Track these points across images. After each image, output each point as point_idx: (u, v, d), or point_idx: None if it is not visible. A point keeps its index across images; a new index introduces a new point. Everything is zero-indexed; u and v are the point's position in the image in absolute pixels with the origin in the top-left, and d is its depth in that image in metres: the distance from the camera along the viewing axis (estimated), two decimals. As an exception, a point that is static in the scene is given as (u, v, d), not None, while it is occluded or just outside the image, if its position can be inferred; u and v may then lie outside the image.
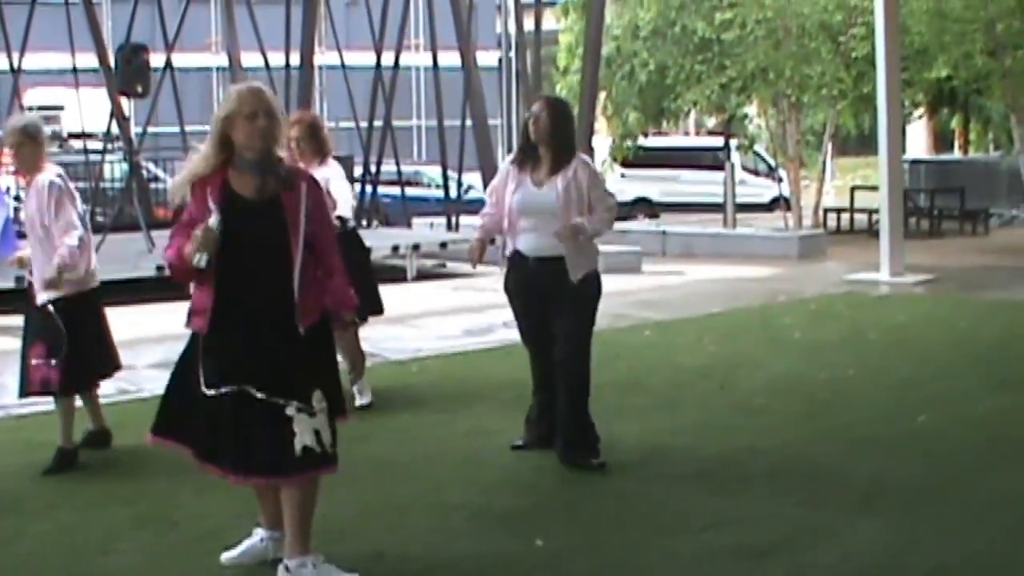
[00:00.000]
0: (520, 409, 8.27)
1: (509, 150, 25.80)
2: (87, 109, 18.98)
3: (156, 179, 21.20)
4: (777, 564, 5.33)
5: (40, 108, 31.43)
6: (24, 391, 6.98)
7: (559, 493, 6.40)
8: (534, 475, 6.71)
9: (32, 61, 20.16)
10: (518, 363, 10.09)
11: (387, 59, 20.57)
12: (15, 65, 18.57)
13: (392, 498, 6.34)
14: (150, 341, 10.62)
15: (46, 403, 7.31)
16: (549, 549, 5.54)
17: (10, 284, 13.58)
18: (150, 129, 18.87)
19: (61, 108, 25.72)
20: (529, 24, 21.74)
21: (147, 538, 5.76)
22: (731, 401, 8.41)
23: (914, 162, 27.14)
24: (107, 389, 7.80)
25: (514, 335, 11.51)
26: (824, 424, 7.78)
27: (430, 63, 20.89)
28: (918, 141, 36.57)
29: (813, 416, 7.99)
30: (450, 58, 19.58)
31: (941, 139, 37.21)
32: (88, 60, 19.28)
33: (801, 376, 9.30)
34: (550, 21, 26.96)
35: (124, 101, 18.20)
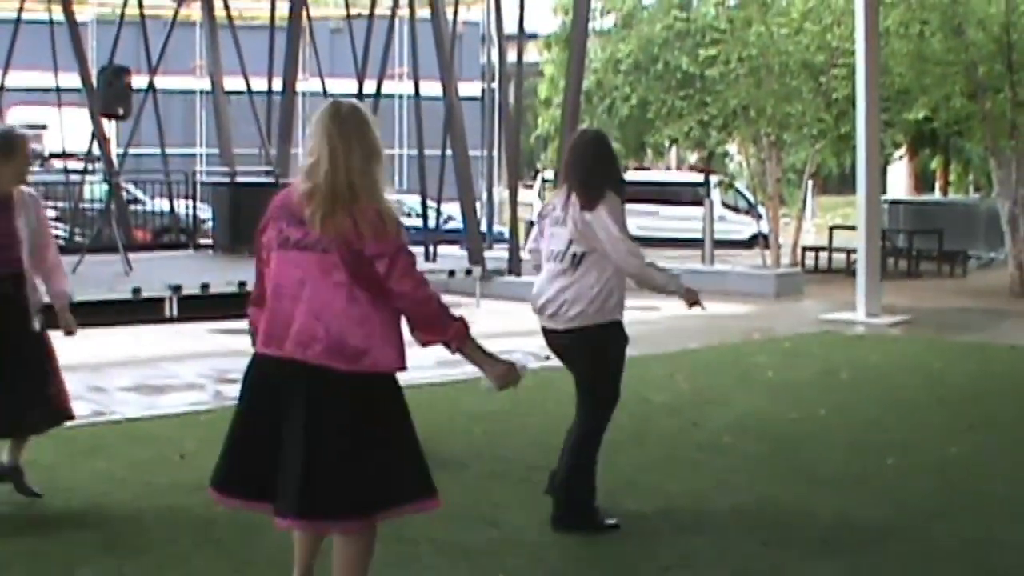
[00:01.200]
0: (489, 443, 8.30)
1: (490, 181, 25.86)
2: (69, 129, 19.00)
3: (136, 201, 21.21)
4: (737, 604, 5.34)
5: (23, 126, 31.54)
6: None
7: (523, 529, 6.39)
8: (498, 511, 6.70)
9: (15, 79, 20.16)
10: (488, 396, 10.13)
11: (371, 87, 20.61)
12: (-2, 83, 18.57)
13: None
14: (124, 364, 10.59)
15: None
16: (510, 584, 5.54)
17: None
18: (132, 151, 18.88)
19: (44, 127, 25.65)
20: (513, 56, 21.81)
21: (112, 563, 5.73)
22: (699, 438, 8.42)
23: (893, 202, 27.30)
24: (81, 411, 7.75)
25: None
26: (791, 463, 7.80)
27: (413, 92, 20.93)
28: (899, 181, 36.76)
29: (781, 455, 8.01)
30: (433, 87, 19.62)
31: (922, 180, 37.41)
32: (72, 80, 19.28)
33: (771, 415, 9.32)
34: (535, 53, 27.11)
35: (106, 122, 18.18)
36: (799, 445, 8.31)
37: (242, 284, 14.53)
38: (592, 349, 6.23)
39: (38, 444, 6.81)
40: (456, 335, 4.55)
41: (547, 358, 11.67)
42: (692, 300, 6.37)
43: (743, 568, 5.77)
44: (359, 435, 4.43)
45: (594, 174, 6.22)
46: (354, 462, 4.41)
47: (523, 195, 28.07)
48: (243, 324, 4.80)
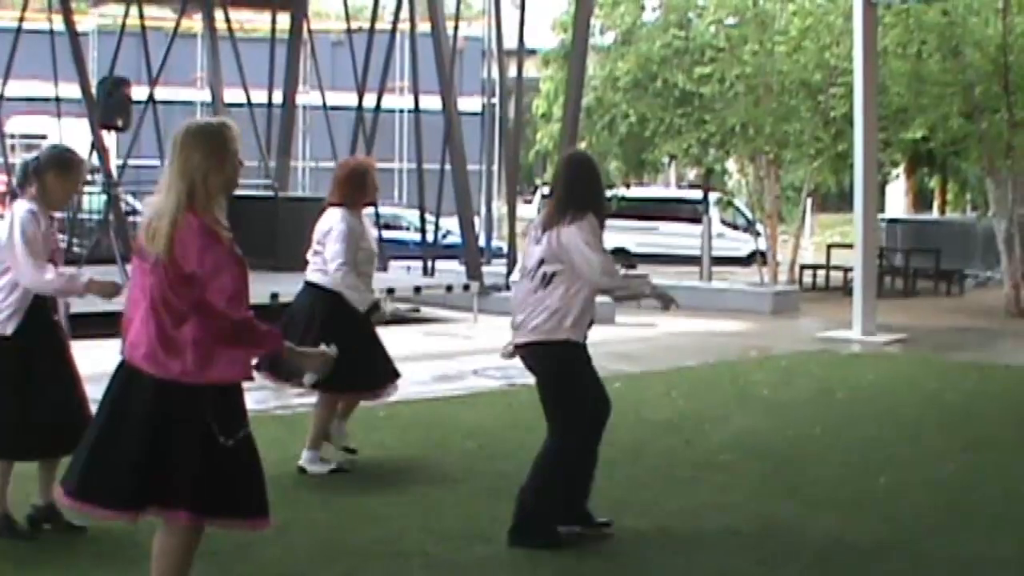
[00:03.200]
0: (484, 459, 8.30)
1: (489, 196, 25.89)
2: (69, 139, 18.97)
3: (135, 212, 21.18)
4: (730, 623, 5.34)
5: (22, 136, 31.54)
6: None
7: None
8: (493, 526, 6.68)
9: (15, 88, 20.18)
10: (485, 411, 10.17)
11: (371, 101, 20.64)
12: (-2, 93, 18.58)
13: (349, 544, 6.32)
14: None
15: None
16: (504, 600, 5.55)
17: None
18: (131, 162, 18.89)
19: (44, 137, 25.66)
20: (514, 71, 21.84)
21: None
22: (695, 456, 8.43)
23: (891, 221, 27.36)
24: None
25: (483, 383, 11.66)
26: (786, 482, 7.80)
27: (413, 106, 20.97)
28: (898, 200, 36.79)
29: (776, 474, 8.01)
30: (433, 102, 19.65)
31: (921, 199, 37.44)
32: (72, 91, 19.29)
33: (767, 433, 9.33)
34: (535, 70, 27.13)
35: (105, 133, 18.19)
36: (795, 463, 8.31)
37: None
38: (543, 365, 6.30)
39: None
40: (273, 346, 4.83)
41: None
42: (667, 301, 6.46)
43: (737, 587, 5.78)
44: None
45: (572, 195, 6.26)
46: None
47: (523, 210, 28.16)
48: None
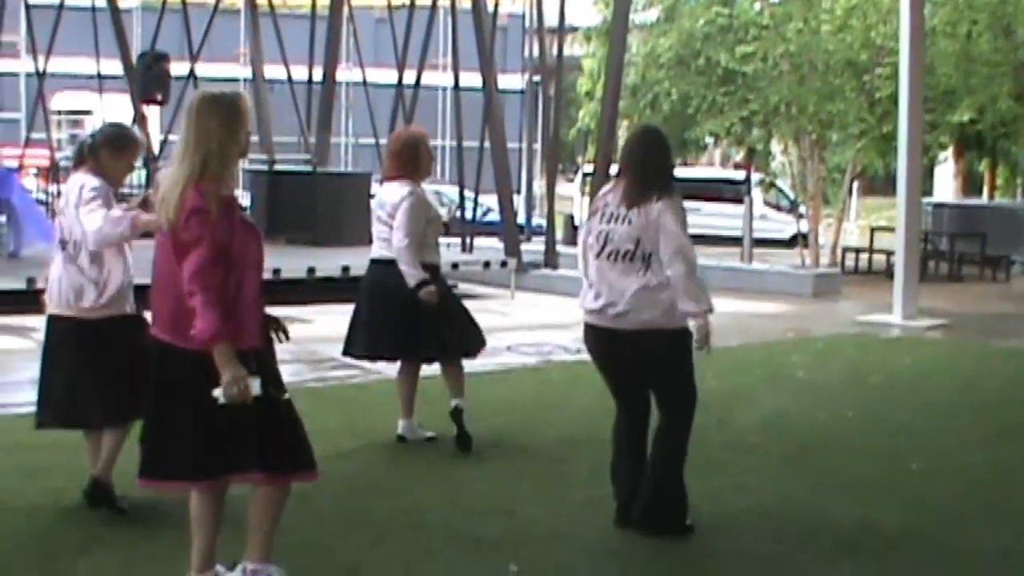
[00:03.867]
0: (512, 435, 8.28)
1: (530, 174, 25.81)
2: (111, 115, 19.05)
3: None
4: (749, 604, 5.29)
5: (68, 113, 31.78)
6: None
7: (538, 521, 6.35)
8: (514, 502, 6.67)
9: (59, 65, 20.31)
10: (517, 388, 10.15)
11: (411, 78, 20.63)
12: (41, 69, 18.69)
13: (371, 516, 6.32)
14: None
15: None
16: (522, 575, 5.51)
17: (21, 285, 13.66)
18: (172, 137, 18.96)
19: (88, 113, 25.85)
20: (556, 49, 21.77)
21: (123, 543, 5.76)
22: (724, 437, 8.34)
23: (937, 205, 27.03)
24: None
25: (517, 359, 11.63)
26: (815, 465, 7.72)
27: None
28: (946, 184, 36.41)
29: (805, 457, 7.93)
30: (474, 79, 19.60)
31: (970, 183, 37.02)
32: (114, 67, 19.39)
33: (799, 416, 9.24)
34: (578, 47, 27.03)
35: (146, 108, 18.27)
36: (825, 447, 8.22)
37: (276, 271, 14.60)
38: (659, 351, 6.00)
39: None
40: (201, 334, 4.61)
41: (578, 351, 11.71)
42: (703, 341, 6.00)
43: (759, 568, 5.73)
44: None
45: (655, 171, 6.04)
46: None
47: (564, 189, 28.09)
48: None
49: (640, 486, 6.16)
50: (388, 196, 7.74)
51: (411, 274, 7.58)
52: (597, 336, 6.15)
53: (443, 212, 11.62)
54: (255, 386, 4.67)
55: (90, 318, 6.10)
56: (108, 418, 6.19)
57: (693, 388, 6.18)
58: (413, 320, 7.63)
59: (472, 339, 7.96)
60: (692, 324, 5.96)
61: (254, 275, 4.81)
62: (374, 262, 7.90)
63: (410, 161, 7.79)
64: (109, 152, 6.16)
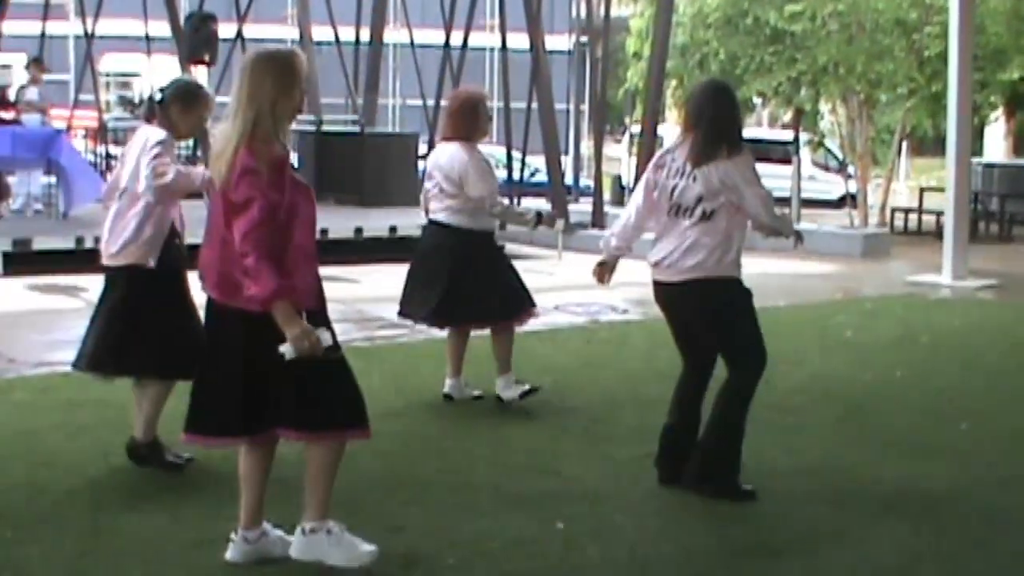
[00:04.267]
0: (558, 394, 8.29)
1: (577, 134, 25.76)
2: (159, 77, 19.12)
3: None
4: (792, 563, 5.30)
5: (116, 75, 31.93)
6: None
7: (583, 479, 6.38)
8: (560, 460, 6.70)
9: (107, 27, 20.39)
10: (563, 347, 10.16)
11: (458, 39, 20.60)
12: (89, 31, 18.78)
13: (416, 474, 6.37)
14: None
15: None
16: (568, 532, 5.55)
17: (70, 245, 13.81)
18: (220, 99, 19.02)
19: (136, 75, 25.97)
20: (603, 9, 21.67)
21: (171, 499, 5.84)
22: (769, 398, 8.21)
23: (988, 165, 26.72)
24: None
25: (564, 319, 11.63)
26: (861, 426, 7.69)
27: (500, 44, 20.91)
28: (998, 144, 35.96)
29: (851, 417, 7.90)
30: (521, 40, 19.55)
31: (1021, 143, 36.53)
32: (162, 28, 19.45)
33: (845, 376, 9.20)
34: (627, 6, 26.87)
35: (194, 69, 18.33)
36: (871, 407, 8.19)
37: (324, 231, 14.65)
38: (709, 302, 6.03)
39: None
40: (260, 294, 4.58)
41: (625, 311, 11.71)
42: (799, 239, 6.35)
43: (800, 529, 5.72)
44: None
45: (724, 127, 5.99)
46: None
47: (611, 150, 28.00)
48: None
49: (691, 446, 6.16)
50: (444, 159, 7.69)
51: (516, 219, 8.02)
52: (660, 290, 6.19)
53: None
54: (326, 338, 4.65)
55: (122, 264, 6.18)
56: (122, 369, 6.31)
57: (757, 346, 6.14)
58: (462, 284, 7.64)
59: (518, 305, 7.93)
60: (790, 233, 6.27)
61: (307, 235, 4.78)
62: (432, 223, 7.86)
63: (469, 121, 7.70)
64: (180, 108, 6.22)
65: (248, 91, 4.69)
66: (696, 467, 6.12)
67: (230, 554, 5.04)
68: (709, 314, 6.10)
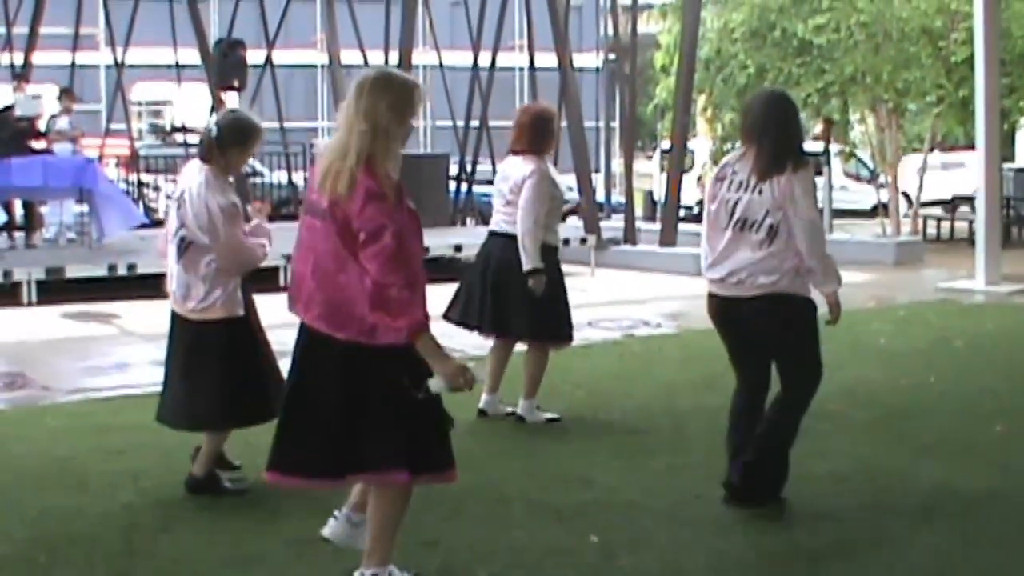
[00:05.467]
0: (591, 407, 8.29)
1: (608, 151, 25.74)
2: (190, 104, 19.31)
3: (255, 173, 21.51)
4: (830, 569, 5.30)
5: (148, 103, 32.20)
6: None
7: (617, 491, 6.38)
8: (593, 472, 6.71)
9: (137, 56, 20.57)
10: (597, 361, 10.15)
11: (486, 59, 20.67)
12: (119, 60, 18.94)
13: (450, 488, 6.31)
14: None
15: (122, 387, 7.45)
16: (602, 544, 5.55)
17: (103, 272, 13.91)
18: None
19: (168, 103, 26.17)
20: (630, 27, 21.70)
21: (205, 519, 5.89)
22: (804, 405, 8.29)
23: (1019, 171, 26.56)
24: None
25: (598, 334, 11.64)
26: (896, 430, 7.67)
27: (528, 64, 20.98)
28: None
29: (886, 422, 7.87)
30: (549, 59, 19.61)
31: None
32: (191, 56, 19.62)
33: (879, 382, 9.17)
34: (655, 23, 26.88)
35: (228, 96, 18.47)
36: (906, 412, 8.16)
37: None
38: (788, 318, 5.92)
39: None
40: (409, 326, 4.41)
41: (658, 325, 11.71)
42: (837, 315, 6.06)
43: (837, 533, 5.71)
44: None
45: (788, 140, 5.88)
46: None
47: (642, 166, 27.98)
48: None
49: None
50: (512, 171, 7.67)
51: (528, 258, 7.47)
52: (719, 305, 6.09)
53: (572, 197, 11.48)
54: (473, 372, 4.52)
55: (193, 319, 6.13)
56: (193, 424, 6.30)
57: (816, 362, 6.08)
58: (510, 297, 7.64)
59: (559, 330, 7.88)
60: (825, 298, 5.95)
61: (420, 264, 4.54)
62: (492, 234, 7.87)
63: (540, 136, 7.69)
64: (240, 149, 6.14)
65: (364, 108, 4.46)
66: (741, 479, 6.05)
67: (327, 531, 5.02)
68: (782, 329, 5.98)
